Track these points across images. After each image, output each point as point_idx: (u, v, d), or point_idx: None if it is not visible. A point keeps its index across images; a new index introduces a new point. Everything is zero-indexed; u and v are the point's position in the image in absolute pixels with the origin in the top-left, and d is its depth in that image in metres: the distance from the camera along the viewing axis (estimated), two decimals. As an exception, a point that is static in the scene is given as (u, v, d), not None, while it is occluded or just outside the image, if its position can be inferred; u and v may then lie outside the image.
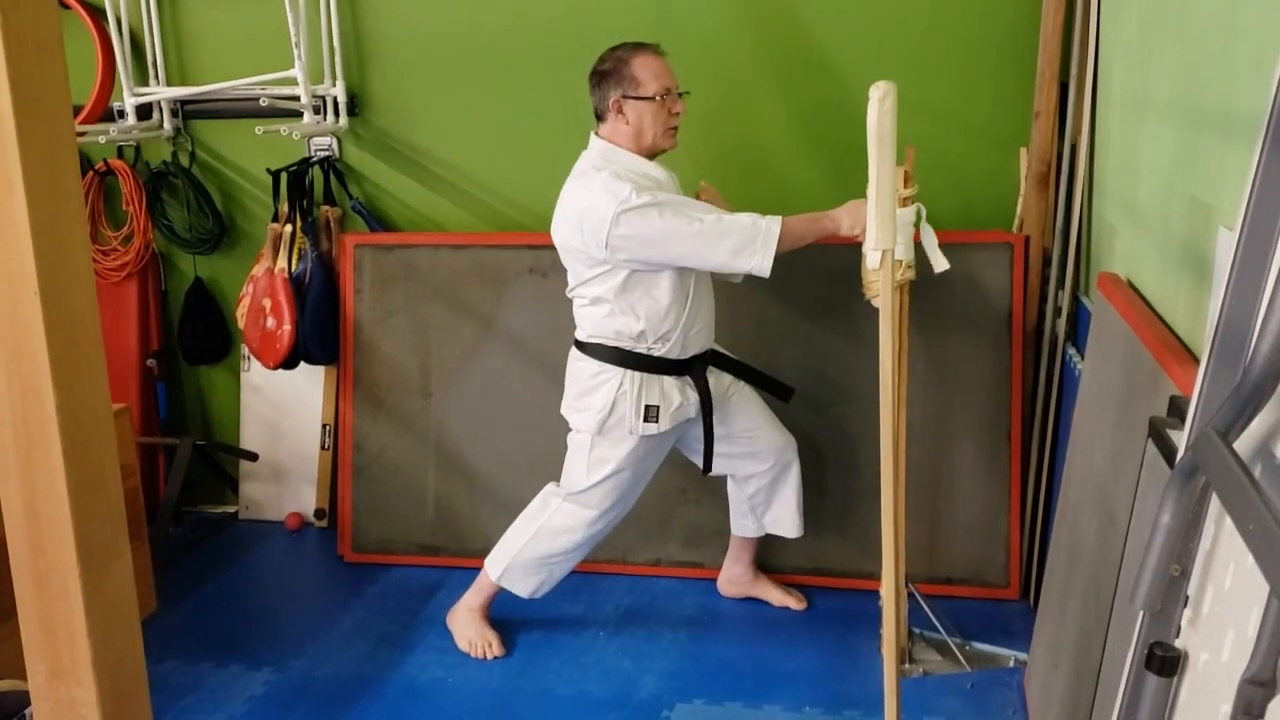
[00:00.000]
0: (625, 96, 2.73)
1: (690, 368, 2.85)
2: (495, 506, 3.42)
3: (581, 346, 2.86)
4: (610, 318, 2.77)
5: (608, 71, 2.75)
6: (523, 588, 3.00)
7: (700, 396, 2.86)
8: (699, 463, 3.03)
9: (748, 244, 2.62)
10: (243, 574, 3.61)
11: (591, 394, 2.83)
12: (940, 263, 2.53)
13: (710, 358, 2.93)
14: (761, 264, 2.63)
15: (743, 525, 3.19)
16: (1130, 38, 2.51)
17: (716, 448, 2.97)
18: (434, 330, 3.52)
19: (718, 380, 2.94)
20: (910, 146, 2.53)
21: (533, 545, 2.95)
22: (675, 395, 2.82)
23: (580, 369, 2.86)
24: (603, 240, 2.64)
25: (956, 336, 3.19)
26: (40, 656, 1.56)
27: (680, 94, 2.79)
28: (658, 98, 2.72)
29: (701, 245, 2.63)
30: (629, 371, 2.79)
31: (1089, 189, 2.90)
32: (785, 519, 3.11)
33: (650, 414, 2.80)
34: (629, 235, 2.63)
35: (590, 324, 2.82)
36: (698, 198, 2.85)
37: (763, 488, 3.08)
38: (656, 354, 2.79)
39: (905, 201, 2.48)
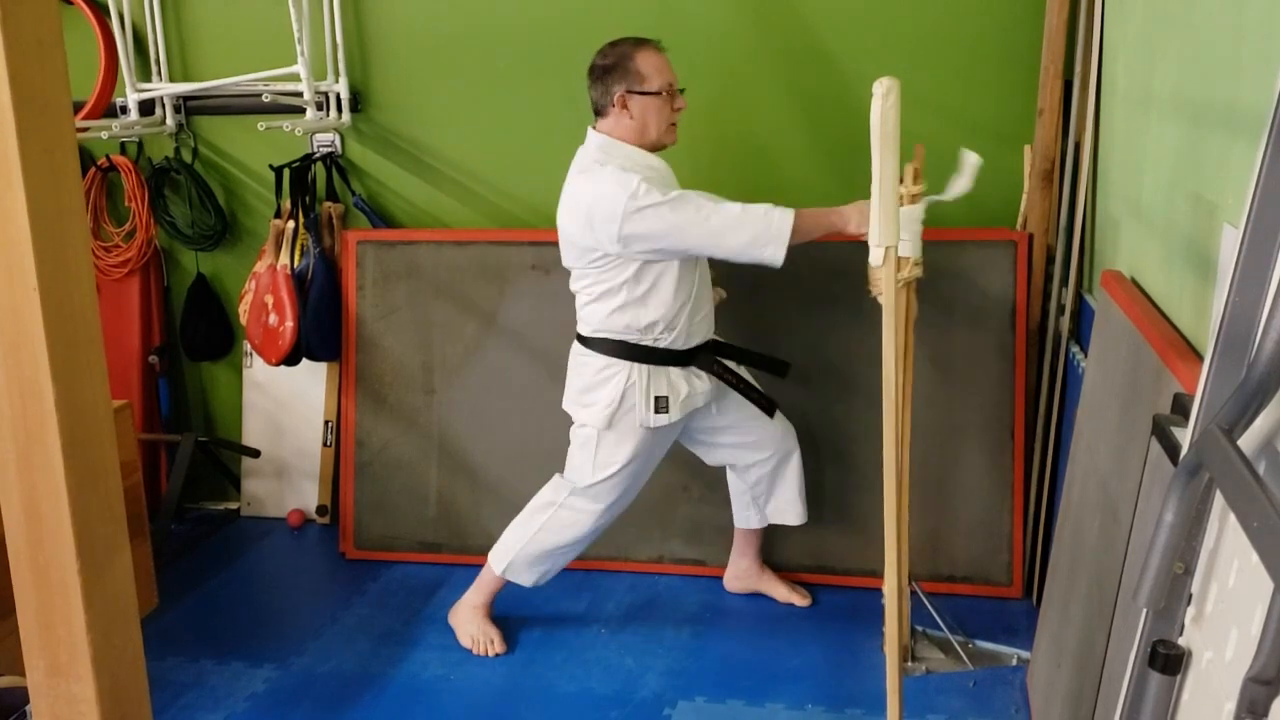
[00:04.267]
0: (630, 91, 2.72)
1: (694, 357, 2.86)
2: (497, 504, 3.42)
3: (586, 341, 2.85)
4: (620, 311, 2.77)
5: (611, 66, 2.74)
6: (526, 578, 3.01)
7: (716, 377, 2.90)
8: (701, 455, 3.10)
9: (761, 235, 2.63)
10: (244, 571, 3.61)
11: (599, 389, 2.83)
12: (964, 183, 2.54)
13: (711, 346, 2.94)
14: (775, 254, 2.64)
15: (745, 517, 3.19)
16: (1134, 34, 2.50)
17: (716, 438, 3.03)
18: (436, 327, 3.52)
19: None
20: (920, 145, 2.53)
21: (539, 539, 2.96)
22: (683, 385, 2.83)
23: (585, 364, 2.86)
24: (615, 234, 2.64)
25: (960, 334, 3.18)
26: (39, 653, 1.56)
27: (679, 90, 2.80)
28: (663, 93, 2.73)
29: (717, 236, 2.65)
30: (637, 365, 2.79)
31: (1093, 186, 2.89)
32: (788, 507, 3.12)
33: (660, 405, 2.81)
34: (642, 231, 2.63)
35: (596, 319, 2.81)
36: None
37: (764, 476, 3.08)
38: (663, 345, 2.79)
39: (914, 198, 2.48)
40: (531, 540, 2.96)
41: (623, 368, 2.80)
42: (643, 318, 2.76)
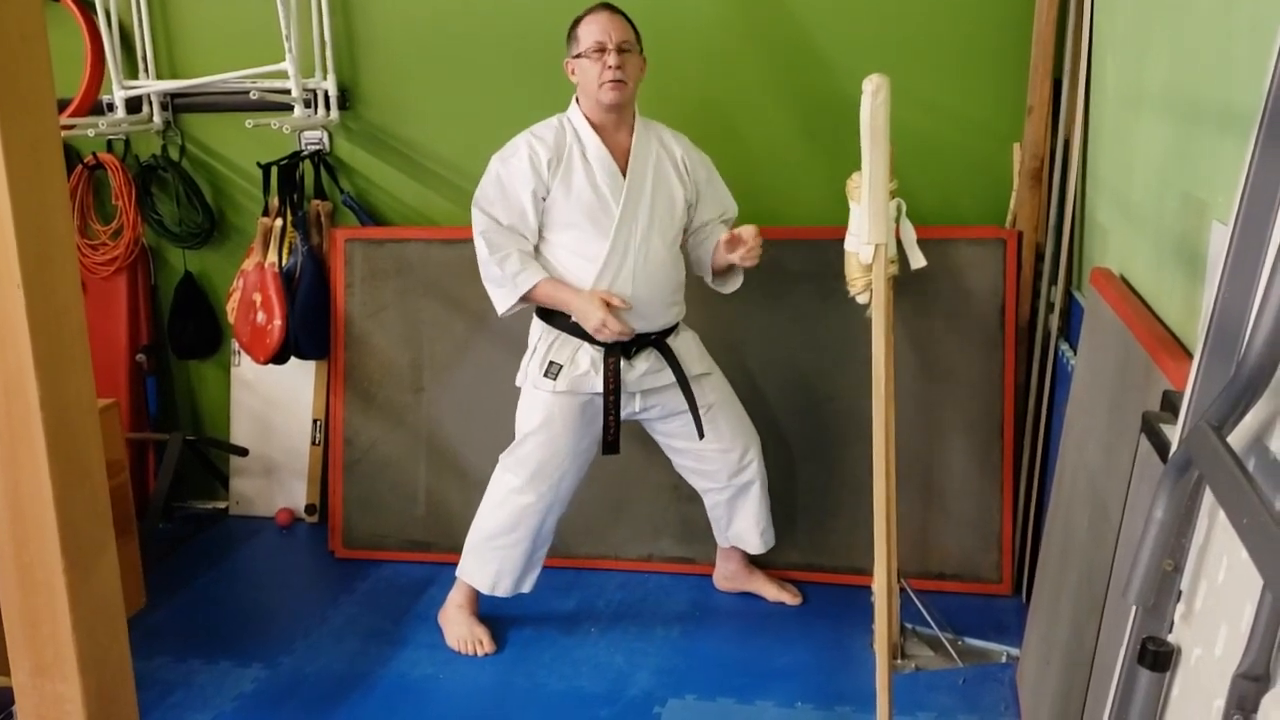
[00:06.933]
0: (572, 57, 2.82)
1: (610, 344, 2.81)
2: (487, 502, 3.41)
3: None
4: None
5: (567, 37, 2.85)
6: (480, 578, 2.99)
7: (607, 374, 2.82)
8: (670, 456, 3.09)
9: (495, 283, 2.83)
10: (233, 570, 3.59)
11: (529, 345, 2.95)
12: (917, 259, 2.52)
13: (658, 345, 2.89)
14: (497, 303, 2.85)
15: (716, 532, 3.20)
16: (1124, 32, 2.50)
17: (676, 458, 3.06)
18: (425, 325, 3.51)
19: (651, 370, 2.88)
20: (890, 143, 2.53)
21: (477, 524, 2.99)
22: (584, 363, 2.84)
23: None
24: None
25: (949, 332, 3.18)
26: (24, 653, 1.55)
27: (624, 50, 2.75)
28: (588, 54, 2.76)
29: (480, 260, 2.84)
30: (548, 326, 2.87)
31: (1082, 184, 2.89)
32: (746, 535, 3.11)
33: (550, 370, 2.83)
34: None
35: None
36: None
37: (720, 504, 3.10)
38: (573, 318, 2.82)
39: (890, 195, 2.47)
40: (474, 527, 2.99)
41: (539, 328, 2.90)
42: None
